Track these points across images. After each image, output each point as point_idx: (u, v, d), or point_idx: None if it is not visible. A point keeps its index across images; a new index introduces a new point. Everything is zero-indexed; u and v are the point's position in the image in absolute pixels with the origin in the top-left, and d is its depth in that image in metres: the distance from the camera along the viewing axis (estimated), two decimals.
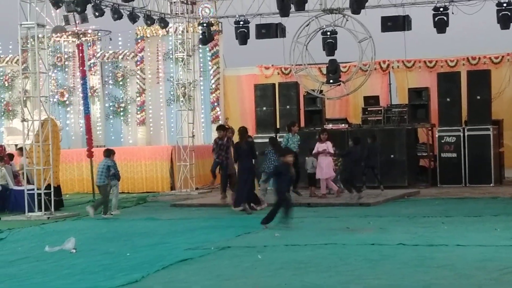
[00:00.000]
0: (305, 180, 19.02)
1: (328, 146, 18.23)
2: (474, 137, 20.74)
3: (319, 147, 18.29)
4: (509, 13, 20.44)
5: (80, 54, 22.77)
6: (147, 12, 21.82)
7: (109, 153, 17.76)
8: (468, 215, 14.46)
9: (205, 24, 23.32)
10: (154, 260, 10.44)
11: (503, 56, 23.11)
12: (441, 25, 21.01)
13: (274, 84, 23.25)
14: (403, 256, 10.11)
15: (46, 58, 24.73)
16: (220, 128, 18.26)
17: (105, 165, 16.97)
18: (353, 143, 17.92)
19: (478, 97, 20.92)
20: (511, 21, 20.47)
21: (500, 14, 20.44)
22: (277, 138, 19.82)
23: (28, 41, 18.56)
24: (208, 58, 26.04)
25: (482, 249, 10.49)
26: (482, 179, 20.46)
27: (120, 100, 27.20)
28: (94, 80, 27.21)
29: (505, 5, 20.44)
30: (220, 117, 25.68)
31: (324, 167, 18.20)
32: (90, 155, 21.21)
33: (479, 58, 23.40)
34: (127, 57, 27.09)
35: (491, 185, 20.44)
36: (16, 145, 23.84)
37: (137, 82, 26.84)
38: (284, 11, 20.94)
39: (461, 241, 11.15)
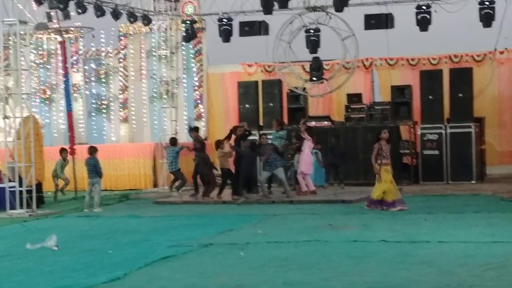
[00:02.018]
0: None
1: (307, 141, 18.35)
2: (456, 135, 20.85)
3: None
4: (491, 12, 20.52)
5: (63, 51, 22.66)
6: (130, 9, 21.75)
7: (92, 151, 17.79)
8: (450, 212, 14.54)
9: (188, 22, 23.26)
10: (137, 257, 10.42)
11: (485, 54, 23.21)
12: (423, 23, 21.07)
13: (257, 82, 23.27)
14: (385, 253, 10.14)
15: (28, 55, 24.63)
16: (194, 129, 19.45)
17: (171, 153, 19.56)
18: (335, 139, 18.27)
19: (460, 95, 21.03)
20: (493, 19, 20.58)
21: (482, 12, 20.53)
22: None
23: (10, 38, 18.44)
24: (192, 56, 25.97)
25: (464, 246, 10.55)
26: (464, 176, 20.59)
27: (103, 98, 27.07)
28: (76, 77, 27.06)
29: (487, 3, 20.51)
30: (203, 114, 25.62)
31: (299, 163, 18.27)
32: (72, 152, 21.11)
33: (461, 56, 23.49)
34: (110, 54, 26.96)
35: (473, 182, 20.56)
36: None
37: (120, 80, 26.73)
38: (267, 9, 20.94)
39: (443, 238, 11.21)
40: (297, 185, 18.62)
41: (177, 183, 19.96)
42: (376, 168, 15.08)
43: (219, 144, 18.87)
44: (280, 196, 18.06)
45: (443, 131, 20.91)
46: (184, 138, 25.10)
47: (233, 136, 19.02)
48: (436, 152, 20.86)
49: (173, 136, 21.22)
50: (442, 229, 12.32)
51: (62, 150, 20.67)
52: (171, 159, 19.70)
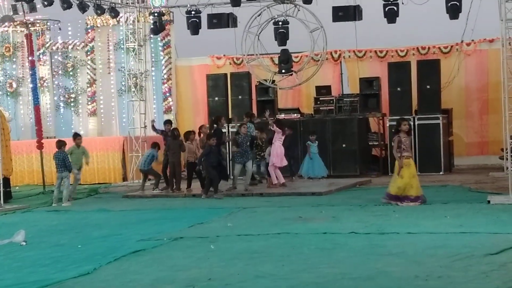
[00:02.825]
0: None
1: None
2: (424, 126, 21.00)
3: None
4: (457, 3, 20.61)
5: (29, 44, 22.42)
6: (97, 1, 21.57)
7: (61, 145, 17.67)
8: None
9: (156, 14, 23.13)
10: (106, 251, 10.37)
11: (452, 46, 23.38)
12: (391, 15, 21.13)
13: (226, 74, 23.24)
14: (355, 245, 10.19)
15: None
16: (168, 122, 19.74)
17: (150, 154, 18.92)
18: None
19: (428, 87, 21.19)
20: (460, 11, 20.69)
21: (449, 4, 20.62)
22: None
23: None
24: (160, 48, 25.84)
25: (433, 237, 10.63)
26: (432, 167, 20.74)
27: (71, 91, 26.85)
28: (43, 71, 26.81)
29: None
30: (172, 107, 25.53)
31: (271, 155, 18.30)
32: (40, 146, 20.95)
33: (429, 48, 23.65)
34: (77, 47, 26.74)
35: (441, 173, 20.73)
36: None
37: (87, 73, 26.53)
38: (235, 1, 20.90)
39: (412, 229, 11.29)
40: (268, 177, 18.64)
41: (151, 182, 19.74)
42: (399, 160, 14.42)
43: (188, 135, 18.84)
44: (229, 190, 18.00)
45: (411, 123, 21.03)
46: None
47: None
48: None
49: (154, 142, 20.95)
50: (410, 220, 12.41)
51: (75, 136, 18.77)
52: (146, 158, 19.31)
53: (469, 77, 23.35)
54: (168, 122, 20.02)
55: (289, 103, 24.01)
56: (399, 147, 14.47)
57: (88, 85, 26.48)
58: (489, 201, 14.24)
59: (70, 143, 18.66)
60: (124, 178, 22.77)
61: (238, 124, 19.14)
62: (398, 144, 14.49)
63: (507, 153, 18.77)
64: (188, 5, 22.62)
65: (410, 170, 14.54)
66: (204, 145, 17.95)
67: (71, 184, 17.75)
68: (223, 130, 19.59)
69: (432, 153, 20.77)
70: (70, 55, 26.85)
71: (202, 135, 19.07)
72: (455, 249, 9.52)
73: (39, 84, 25.00)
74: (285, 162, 18.41)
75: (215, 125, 18.88)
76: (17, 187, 20.76)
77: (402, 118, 15.61)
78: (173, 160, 18.43)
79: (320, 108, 21.91)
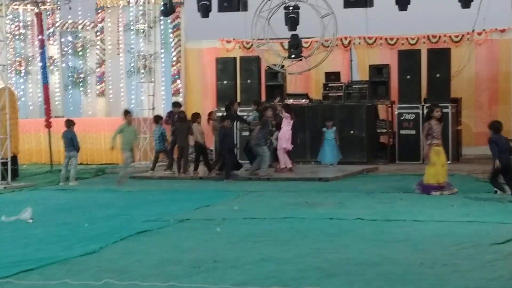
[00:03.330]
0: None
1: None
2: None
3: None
4: None
5: (39, 23, 22.41)
6: None
7: (69, 124, 17.71)
8: None
9: None
10: (113, 231, 10.41)
11: (463, 35, 23.26)
12: (402, 2, 21.05)
13: (235, 58, 23.17)
14: (361, 231, 10.20)
15: (4, 26, 24.32)
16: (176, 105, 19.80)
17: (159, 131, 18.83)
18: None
19: (438, 75, 21.09)
20: (472, 0, 20.62)
21: None
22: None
23: None
24: (170, 30, 25.78)
25: (439, 225, 10.64)
26: None
27: (80, 71, 26.85)
28: (53, 50, 26.80)
29: None
30: (180, 90, 25.50)
31: (278, 139, 18.32)
32: (48, 125, 20.98)
33: (440, 36, 23.53)
34: (87, 27, 26.70)
35: (449, 162, 20.55)
36: None
37: (97, 53, 26.50)
38: None
39: (418, 217, 11.30)
40: (275, 162, 18.65)
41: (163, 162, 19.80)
42: (426, 149, 14.11)
43: (195, 117, 18.85)
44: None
45: (420, 111, 20.98)
46: (161, 113, 25.00)
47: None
48: (413, 132, 20.92)
49: (157, 115, 21.03)
50: (417, 208, 12.41)
51: (126, 113, 17.80)
52: (156, 138, 19.44)
53: (479, 67, 23.24)
54: (176, 105, 20.01)
55: (298, 88, 23.94)
56: (429, 134, 14.08)
57: (97, 66, 26.47)
58: (496, 191, 14.20)
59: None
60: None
61: (263, 107, 18.98)
62: (428, 131, 14.10)
63: None
64: None
65: (440, 158, 14.23)
66: (219, 129, 17.95)
67: (120, 167, 17.57)
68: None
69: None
70: (80, 35, 26.82)
71: (211, 121, 19.10)
72: (461, 237, 9.53)
73: (48, 64, 25.00)
74: (291, 147, 18.46)
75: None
76: (24, 165, 20.81)
77: (435, 105, 15.15)
78: (181, 144, 18.43)
79: (329, 94, 21.85)
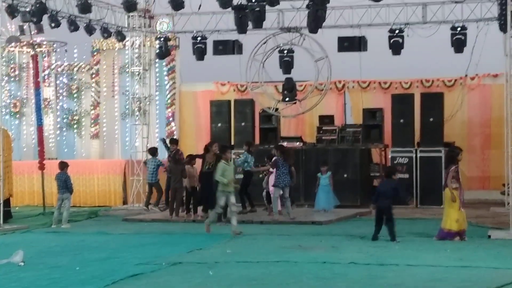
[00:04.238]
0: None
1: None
2: (426, 159, 20.97)
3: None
4: (462, 37, 20.79)
5: (35, 65, 22.51)
6: (104, 24, 21.69)
7: (63, 166, 17.69)
8: (419, 236, 14.61)
9: (162, 39, 23.25)
10: (105, 274, 10.34)
11: (456, 80, 23.40)
12: (396, 47, 21.28)
13: (229, 101, 23.27)
14: (354, 275, 10.16)
15: (0, 68, 24.42)
16: (174, 142, 19.32)
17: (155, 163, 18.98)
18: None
19: (431, 119, 21.19)
20: (465, 45, 20.84)
21: (454, 38, 20.79)
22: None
23: None
24: (165, 73, 25.90)
25: (433, 269, 10.59)
26: (433, 200, 20.62)
27: (74, 113, 26.88)
28: (48, 92, 26.87)
29: (459, 29, 20.79)
30: (175, 132, 25.54)
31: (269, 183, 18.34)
32: (41, 167, 20.95)
33: (433, 80, 23.68)
34: (83, 70, 26.81)
35: (442, 206, 20.52)
36: None
37: (91, 95, 26.58)
38: (241, 28, 20.97)
39: (412, 261, 11.26)
40: (268, 205, 18.60)
41: (151, 201, 19.80)
42: (455, 193, 13.80)
43: (190, 160, 18.82)
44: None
45: (413, 155, 21.03)
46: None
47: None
48: (406, 175, 20.91)
49: (153, 147, 21.04)
50: (410, 252, 12.37)
51: (224, 149, 16.35)
52: (152, 170, 19.41)
53: (472, 111, 23.36)
54: (174, 142, 19.65)
55: (292, 131, 24.01)
56: (454, 177, 13.81)
57: (92, 108, 26.52)
58: (489, 236, 14.20)
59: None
60: (125, 202, 22.73)
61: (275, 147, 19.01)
62: (454, 174, 13.80)
63: (508, 188, 18.71)
64: (194, 31, 22.76)
65: (458, 203, 13.98)
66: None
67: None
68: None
69: (433, 186, 20.66)
70: (75, 77, 26.91)
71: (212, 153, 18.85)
72: (455, 282, 9.49)
73: (43, 105, 25.05)
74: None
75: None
76: (17, 208, 20.72)
77: (458, 148, 14.82)
78: (175, 185, 18.35)
79: (323, 137, 21.91)
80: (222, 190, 15.23)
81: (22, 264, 11.29)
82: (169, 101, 25.82)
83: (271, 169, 18.29)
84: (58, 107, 27.04)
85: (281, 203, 18.27)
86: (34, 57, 22.72)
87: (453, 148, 15.05)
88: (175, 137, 24.08)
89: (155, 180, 19.19)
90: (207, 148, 18.19)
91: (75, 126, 26.84)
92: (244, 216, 18.04)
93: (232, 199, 15.38)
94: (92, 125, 26.48)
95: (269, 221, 17.49)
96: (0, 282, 9.95)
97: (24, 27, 21.56)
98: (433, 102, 21.38)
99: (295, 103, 22.07)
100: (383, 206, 14.17)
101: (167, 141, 19.89)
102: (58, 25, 20.12)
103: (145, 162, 19.91)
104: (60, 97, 27.04)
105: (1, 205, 16.78)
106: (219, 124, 22.79)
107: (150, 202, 20.53)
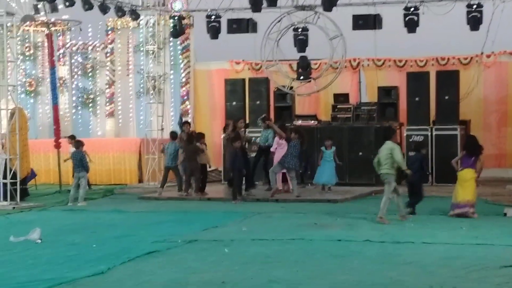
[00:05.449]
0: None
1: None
2: (441, 137, 20.90)
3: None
4: (478, 15, 20.61)
5: (49, 44, 22.55)
6: (118, 3, 21.68)
7: (78, 145, 17.78)
8: (435, 214, 14.59)
9: (176, 17, 23.21)
10: (121, 252, 10.40)
11: (471, 57, 23.27)
12: (411, 24, 21.14)
13: (244, 79, 23.24)
14: (369, 253, 10.17)
15: (15, 47, 24.49)
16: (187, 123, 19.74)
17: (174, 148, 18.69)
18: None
19: (446, 97, 21.08)
20: (481, 23, 20.66)
21: (470, 15, 20.62)
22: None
23: None
24: (179, 52, 25.88)
25: (448, 247, 10.60)
26: (448, 178, 20.46)
27: (89, 92, 26.97)
28: (63, 71, 26.95)
29: (475, 6, 20.62)
30: (189, 111, 25.56)
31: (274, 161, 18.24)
32: (57, 145, 21.03)
33: (448, 58, 23.55)
34: (97, 49, 26.86)
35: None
36: None
37: (106, 74, 26.62)
38: (256, 7, 20.93)
39: (427, 239, 11.25)
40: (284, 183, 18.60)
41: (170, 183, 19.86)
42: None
43: (199, 137, 18.84)
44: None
45: (429, 133, 20.96)
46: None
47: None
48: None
49: (173, 131, 21.05)
50: (426, 230, 12.37)
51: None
52: (172, 153, 19.33)
53: (488, 89, 23.24)
54: (186, 123, 19.90)
55: (307, 110, 23.96)
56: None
57: (107, 87, 26.58)
58: (505, 214, 14.17)
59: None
60: (140, 180, 22.82)
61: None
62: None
63: None
64: (209, 10, 22.71)
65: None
66: (230, 149, 17.87)
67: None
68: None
69: (449, 164, 20.58)
70: (90, 56, 26.98)
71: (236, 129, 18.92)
72: (470, 260, 9.48)
73: (58, 84, 25.12)
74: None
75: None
76: (33, 186, 20.84)
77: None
78: (190, 166, 18.38)
79: (338, 115, 21.85)
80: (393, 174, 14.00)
81: (39, 241, 11.38)
82: (183, 79, 25.82)
83: (280, 141, 18.12)
84: (73, 86, 27.12)
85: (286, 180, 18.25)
86: (49, 36, 22.75)
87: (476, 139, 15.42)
88: (189, 116, 24.15)
89: (174, 164, 19.15)
90: (234, 125, 18.36)
91: (90, 105, 26.93)
92: (265, 193, 18.03)
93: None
94: (107, 104, 26.55)
95: (285, 198, 17.48)
96: (17, 259, 10.04)
97: (39, 6, 21.59)
98: (449, 80, 21.27)
99: (309, 81, 22.01)
100: (412, 180, 14.52)
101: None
102: (72, 4, 20.15)
103: (162, 150, 19.77)
104: (75, 76, 27.12)
105: (18, 182, 16.89)
106: (234, 103, 22.77)
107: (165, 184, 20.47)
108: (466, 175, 14.42)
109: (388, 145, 13.81)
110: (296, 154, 17.64)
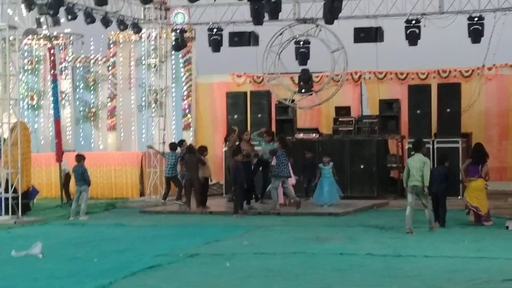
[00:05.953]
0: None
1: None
2: (443, 150, 20.83)
3: None
4: (480, 27, 20.68)
5: (52, 58, 22.59)
6: (120, 17, 21.74)
7: (80, 159, 17.77)
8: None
9: (178, 31, 23.27)
10: (122, 266, 10.38)
11: (473, 70, 23.28)
12: (412, 37, 21.20)
13: (246, 93, 23.26)
14: (371, 266, 10.15)
15: (18, 60, 24.55)
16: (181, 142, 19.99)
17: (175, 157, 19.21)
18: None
19: (448, 110, 21.08)
20: (482, 35, 20.72)
21: (471, 28, 20.68)
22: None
23: None
24: (181, 65, 25.92)
25: (450, 261, 10.56)
26: (450, 191, 20.53)
27: (91, 105, 26.99)
28: (65, 84, 26.98)
29: (476, 19, 20.68)
30: (191, 124, 25.58)
31: None
32: (59, 159, 21.03)
33: (450, 71, 23.56)
34: (99, 62, 26.90)
35: (459, 197, 20.56)
36: None
37: (108, 87, 26.65)
38: (257, 20, 20.97)
39: (429, 252, 11.22)
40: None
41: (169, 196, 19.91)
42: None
43: (202, 151, 18.85)
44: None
45: (430, 146, 20.93)
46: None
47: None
48: None
49: (173, 142, 21.10)
50: (428, 243, 12.34)
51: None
52: (171, 164, 19.48)
53: (489, 102, 23.23)
54: (181, 143, 20.16)
55: (308, 122, 23.97)
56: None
57: (109, 100, 26.61)
58: (507, 227, 14.14)
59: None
60: (142, 194, 22.80)
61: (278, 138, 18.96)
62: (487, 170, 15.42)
63: None
64: (210, 23, 22.77)
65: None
66: (232, 163, 17.85)
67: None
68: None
69: (450, 177, 20.55)
70: (92, 69, 27.01)
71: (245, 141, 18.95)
72: (473, 273, 9.45)
73: (60, 98, 25.15)
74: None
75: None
76: (35, 200, 20.82)
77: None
78: (190, 176, 18.37)
79: (339, 128, 21.84)
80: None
81: (41, 256, 11.35)
82: (185, 93, 25.83)
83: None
84: (75, 100, 27.14)
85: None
86: (51, 50, 22.78)
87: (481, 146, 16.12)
88: (191, 128, 24.21)
89: (174, 174, 19.23)
90: (240, 137, 18.49)
91: (92, 118, 26.94)
92: (264, 207, 18.03)
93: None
94: (109, 117, 26.56)
95: (286, 212, 17.46)
96: (19, 274, 10.02)
97: (41, 19, 21.64)
98: (450, 92, 21.26)
99: (311, 94, 22.03)
100: (436, 192, 14.78)
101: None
102: (74, 17, 20.19)
103: (162, 154, 20.05)
104: (77, 90, 27.15)
105: (20, 196, 16.88)
106: (236, 116, 22.79)
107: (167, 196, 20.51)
108: (478, 185, 15.20)
109: (421, 157, 14.14)
110: (286, 162, 17.64)
